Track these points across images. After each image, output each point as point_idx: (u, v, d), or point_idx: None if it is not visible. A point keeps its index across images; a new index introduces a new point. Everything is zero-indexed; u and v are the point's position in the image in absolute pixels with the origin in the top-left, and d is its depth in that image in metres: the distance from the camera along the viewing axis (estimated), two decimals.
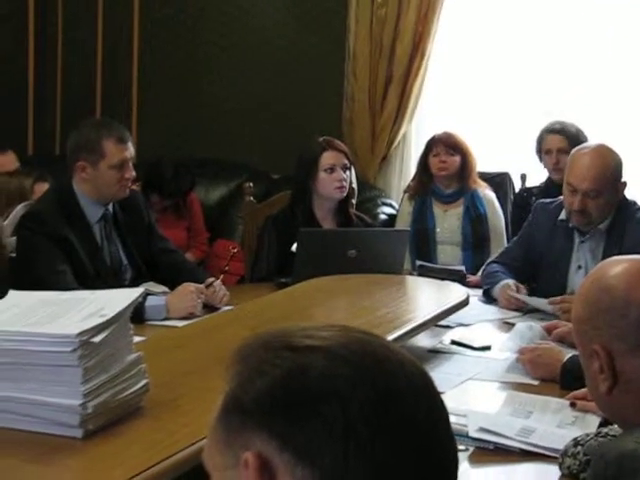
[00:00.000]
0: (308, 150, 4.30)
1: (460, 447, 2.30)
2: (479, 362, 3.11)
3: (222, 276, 3.81)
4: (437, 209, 4.93)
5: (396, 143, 5.79)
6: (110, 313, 2.06)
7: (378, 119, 5.77)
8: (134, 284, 3.71)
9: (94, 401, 1.98)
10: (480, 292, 4.02)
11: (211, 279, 3.68)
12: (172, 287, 3.62)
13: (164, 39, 6.37)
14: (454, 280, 4.06)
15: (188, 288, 3.50)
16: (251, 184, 4.65)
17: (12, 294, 2.24)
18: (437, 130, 5.08)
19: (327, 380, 1.00)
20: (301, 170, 4.27)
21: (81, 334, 1.95)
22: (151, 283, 3.77)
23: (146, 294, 3.27)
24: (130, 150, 3.67)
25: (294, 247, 3.98)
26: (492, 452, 2.30)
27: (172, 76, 6.38)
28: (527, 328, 3.28)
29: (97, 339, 1.99)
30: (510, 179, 5.48)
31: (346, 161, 4.24)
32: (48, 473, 1.87)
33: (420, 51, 5.61)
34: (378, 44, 5.70)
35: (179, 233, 5.25)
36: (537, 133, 4.96)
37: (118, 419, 2.06)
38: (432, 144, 4.89)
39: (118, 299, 2.14)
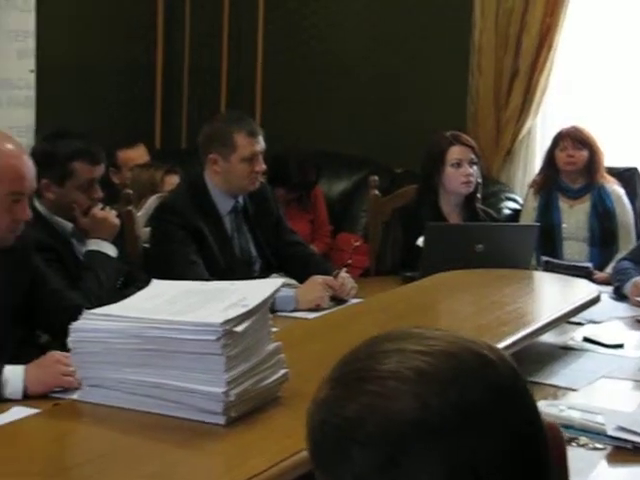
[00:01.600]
0: (435, 144, 4.30)
1: (598, 446, 2.27)
2: (612, 360, 3.07)
3: (344, 269, 3.84)
4: (563, 204, 4.87)
5: (521, 137, 5.72)
6: (252, 303, 2.10)
7: (503, 113, 5.71)
8: (263, 276, 3.77)
9: (236, 389, 2.02)
10: (608, 289, 3.96)
11: (339, 271, 3.70)
12: (299, 279, 3.66)
13: (288, 34, 6.43)
14: (581, 276, 4.00)
15: (317, 280, 3.54)
16: (376, 177, 4.66)
17: (155, 283, 2.31)
18: (563, 124, 5.01)
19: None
20: (428, 164, 4.27)
21: (225, 323, 1.99)
22: (279, 275, 3.82)
23: None
24: (261, 143, 3.73)
25: (420, 241, 3.98)
26: (631, 452, 2.26)
27: (296, 71, 6.43)
28: None
29: (240, 328, 2.03)
30: (639, 174, 5.37)
31: (473, 156, 4.23)
32: (195, 457, 1.92)
33: (547, 43, 5.53)
34: (504, 37, 5.64)
35: (303, 226, 5.29)
36: None
37: (258, 408, 2.10)
38: (559, 138, 4.83)
39: (259, 290, 2.18)
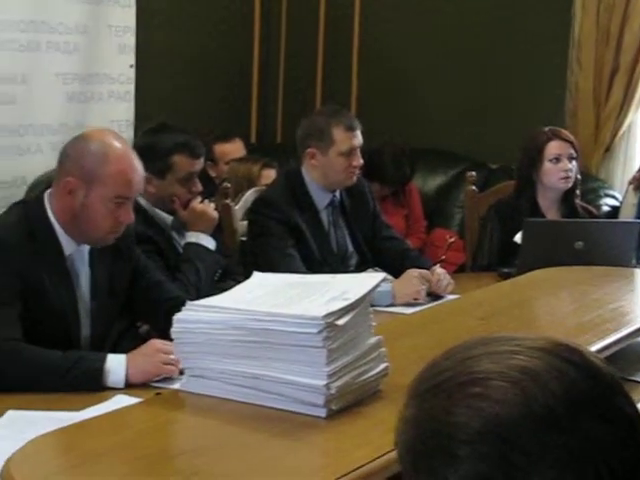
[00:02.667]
0: (533, 140, 4.24)
1: None
2: None
3: (439, 265, 3.81)
4: None
5: (620, 133, 5.62)
6: (353, 297, 2.11)
7: (602, 109, 5.61)
8: (359, 270, 3.76)
9: (337, 382, 2.03)
10: None
11: (435, 267, 3.68)
12: (395, 274, 3.65)
13: (384, 28, 6.41)
14: None
15: (413, 274, 3.53)
16: (473, 173, 4.62)
17: (257, 276, 2.32)
18: None
19: None
20: (525, 160, 4.22)
21: (327, 316, 2.00)
22: (373, 270, 3.82)
23: None
24: (358, 138, 3.72)
25: (517, 237, 3.94)
26: None
27: (391, 66, 6.41)
28: None
29: (341, 322, 2.04)
30: None
31: (572, 151, 4.16)
32: (296, 448, 1.93)
33: None
34: (605, 32, 5.54)
35: (397, 221, 5.28)
36: None
37: (359, 401, 2.11)
38: None
39: (360, 283, 2.19)
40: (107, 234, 2.73)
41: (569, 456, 0.95)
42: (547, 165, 4.12)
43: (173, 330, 2.18)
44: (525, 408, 0.97)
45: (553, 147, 4.13)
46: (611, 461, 0.96)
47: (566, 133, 4.26)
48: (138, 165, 2.73)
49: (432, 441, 1.01)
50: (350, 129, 3.69)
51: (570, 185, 4.16)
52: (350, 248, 3.84)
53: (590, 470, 0.95)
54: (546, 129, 4.24)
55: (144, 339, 3.04)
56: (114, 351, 2.66)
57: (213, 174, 5.18)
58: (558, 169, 4.10)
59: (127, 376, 2.50)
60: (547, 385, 0.98)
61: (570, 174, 4.12)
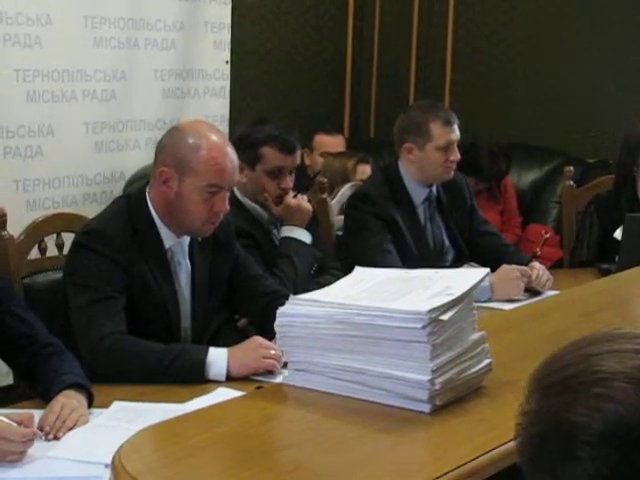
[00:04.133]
0: (632, 134, 4.17)
1: None
2: None
3: (537, 262, 3.77)
4: None
5: None
6: (457, 292, 2.09)
7: None
8: (455, 265, 3.75)
9: (441, 377, 2.02)
10: None
11: (534, 262, 3.64)
12: (492, 270, 3.61)
13: (479, 22, 6.36)
14: None
15: (512, 270, 3.49)
16: (571, 168, 4.56)
17: (359, 270, 2.32)
18: None
19: None
20: (625, 154, 4.15)
21: (431, 311, 1.99)
22: (472, 264, 3.79)
23: None
24: (456, 132, 3.70)
25: (617, 233, 3.88)
26: None
27: (486, 60, 6.36)
28: None
29: (445, 317, 2.03)
30: None
31: None
32: (400, 444, 1.93)
33: None
34: None
35: (492, 216, 5.23)
36: None
37: (462, 397, 2.09)
38: None
39: (464, 278, 2.17)
40: (203, 224, 2.74)
41: None
42: None
43: (277, 324, 2.19)
44: None
45: None
46: None
47: None
48: (232, 155, 2.74)
49: (553, 439, 1.00)
50: (448, 124, 3.67)
51: None
52: (447, 243, 3.82)
53: None
54: None
55: (242, 332, 3.08)
56: (212, 343, 2.70)
57: (307, 162, 5.20)
58: None
59: (228, 369, 2.53)
60: None
61: None
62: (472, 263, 3.81)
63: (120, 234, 2.72)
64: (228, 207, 2.77)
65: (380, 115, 6.46)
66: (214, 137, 2.74)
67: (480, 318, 2.88)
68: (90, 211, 3.80)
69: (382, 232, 3.61)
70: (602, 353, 1.02)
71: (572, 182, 4.48)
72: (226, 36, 5.47)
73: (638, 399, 0.96)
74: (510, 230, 5.46)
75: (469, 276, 2.20)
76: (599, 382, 0.99)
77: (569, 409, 1.00)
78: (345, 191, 4.05)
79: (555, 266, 4.61)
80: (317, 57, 6.40)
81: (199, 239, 2.86)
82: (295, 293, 2.49)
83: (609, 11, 5.87)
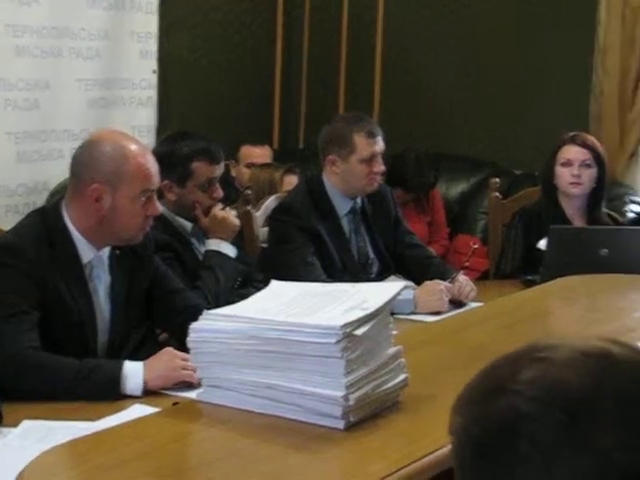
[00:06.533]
0: (554, 144, 4.20)
1: None
2: None
3: (462, 272, 3.77)
4: None
5: None
6: (372, 306, 2.07)
7: (627, 114, 5.55)
8: (380, 278, 3.74)
9: (356, 393, 2.00)
10: None
11: (457, 274, 3.64)
12: (418, 282, 3.61)
13: (407, 34, 6.37)
14: None
15: (437, 284, 3.48)
16: (497, 179, 4.58)
17: (274, 284, 2.29)
18: None
19: None
20: (545, 164, 4.18)
21: (345, 326, 1.97)
22: (395, 277, 3.78)
23: None
24: (380, 144, 3.69)
25: (541, 244, 3.90)
26: None
27: (414, 72, 6.37)
28: None
29: (359, 332, 2.00)
30: None
31: (588, 157, 4.06)
32: (312, 461, 1.90)
33: None
34: (630, 36, 5.47)
35: (420, 227, 5.24)
36: None
37: (377, 412, 2.07)
38: None
39: (380, 292, 2.15)
40: (138, 231, 2.75)
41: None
42: (559, 169, 4.07)
43: (189, 339, 2.16)
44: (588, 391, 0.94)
45: (566, 151, 4.08)
46: None
47: (585, 138, 4.17)
48: (152, 157, 2.78)
49: (491, 445, 0.97)
50: (371, 135, 3.66)
51: (580, 191, 4.07)
52: (371, 255, 3.80)
53: None
54: (568, 134, 4.19)
55: (163, 347, 3.03)
56: (133, 359, 2.64)
57: (233, 174, 5.17)
58: (567, 173, 4.04)
59: (145, 383, 2.49)
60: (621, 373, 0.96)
61: (580, 180, 4.04)
62: (397, 275, 3.79)
63: (34, 248, 2.66)
64: (160, 209, 2.80)
65: (309, 126, 6.44)
66: (133, 144, 2.76)
67: (403, 331, 2.89)
68: (12, 223, 3.71)
69: (305, 244, 3.58)
70: (528, 363, 1.00)
71: (498, 193, 4.50)
72: (153, 45, 5.43)
73: (583, 377, 0.95)
74: (438, 241, 5.47)
75: (385, 290, 2.18)
76: (545, 349, 0.98)
77: (518, 370, 0.97)
78: (270, 203, 4.02)
79: (483, 277, 4.62)
80: (246, 67, 6.37)
81: (117, 252, 2.81)
82: (218, 307, 2.45)
83: (540, 22, 5.92)
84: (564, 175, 4.05)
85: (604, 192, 4.20)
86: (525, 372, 0.97)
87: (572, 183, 4.04)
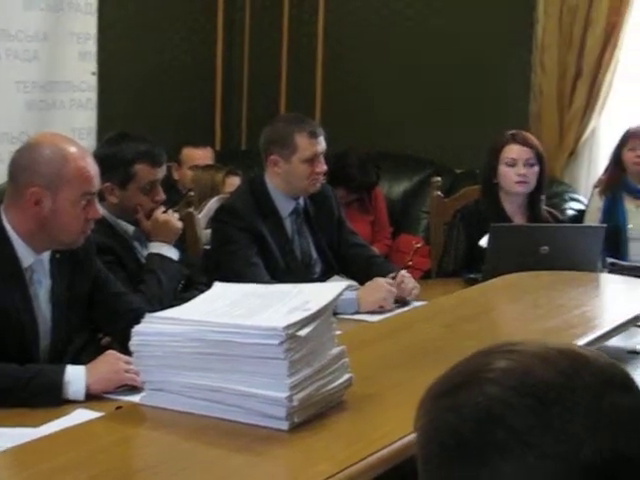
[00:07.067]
0: (494, 143, 4.24)
1: None
2: None
3: (405, 271, 3.79)
4: (629, 205, 4.78)
5: (585, 137, 5.63)
6: (315, 307, 2.07)
7: (566, 113, 5.63)
8: (323, 278, 3.74)
9: (300, 394, 2.00)
10: None
11: (395, 273, 3.65)
12: (361, 281, 3.62)
13: (348, 33, 6.39)
14: None
15: (379, 282, 3.50)
16: (438, 178, 4.61)
17: (217, 286, 2.29)
18: (628, 124, 4.91)
19: None
20: (487, 163, 4.22)
21: (288, 327, 1.97)
22: (338, 277, 3.79)
23: None
24: (322, 144, 3.70)
25: (482, 241, 3.93)
26: None
27: (356, 70, 6.39)
28: None
29: (303, 333, 2.01)
30: None
31: (531, 156, 4.11)
32: (256, 463, 1.89)
33: (612, 41, 5.43)
34: (568, 35, 5.56)
35: (363, 227, 5.26)
36: None
37: (322, 413, 2.08)
38: (627, 137, 4.74)
39: (322, 293, 2.16)
40: (79, 234, 2.72)
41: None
42: (503, 168, 4.10)
43: (132, 343, 2.14)
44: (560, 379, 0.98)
45: (509, 151, 4.12)
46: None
47: (527, 137, 4.22)
48: (92, 160, 2.76)
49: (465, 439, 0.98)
50: (313, 135, 3.66)
51: (525, 190, 4.12)
52: (314, 255, 3.81)
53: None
54: (508, 132, 4.23)
55: (106, 351, 3.00)
56: (75, 363, 2.62)
57: (176, 177, 5.14)
58: (513, 173, 4.08)
59: (88, 387, 2.47)
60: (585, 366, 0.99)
61: (526, 179, 4.09)
62: (341, 275, 3.80)
63: None
64: (100, 211, 2.78)
65: (251, 127, 6.42)
66: (73, 147, 2.73)
67: (346, 331, 2.90)
68: None
69: (248, 245, 3.57)
70: (501, 355, 1.02)
71: (440, 192, 4.53)
72: (92, 47, 5.38)
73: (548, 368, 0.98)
74: (381, 240, 5.50)
75: (328, 290, 2.18)
76: (512, 351, 1.01)
77: (489, 363, 1.00)
78: (212, 204, 4.00)
79: (426, 276, 4.65)
80: (187, 69, 6.34)
81: (57, 256, 2.79)
82: (161, 310, 2.44)
83: (479, 21, 5.97)
84: (509, 175, 4.09)
85: (544, 190, 4.24)
86: (498, 362, 0.99)
87: (518, 182, 4.08)
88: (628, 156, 4.71)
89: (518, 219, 4.15)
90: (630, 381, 1.02)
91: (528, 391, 0.96)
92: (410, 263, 4.95)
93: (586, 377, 0.98)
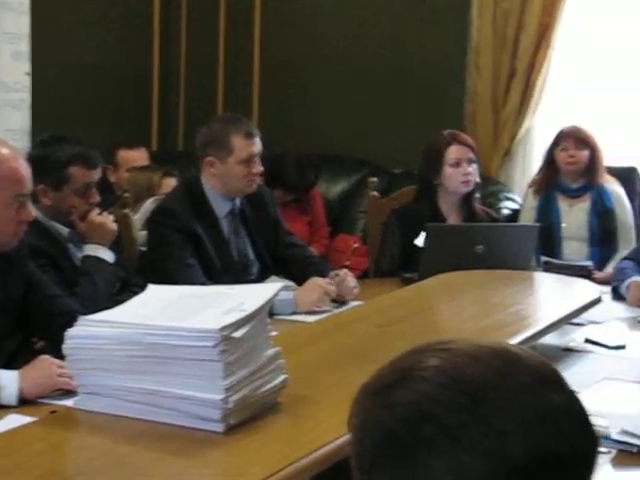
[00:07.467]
0: (434, 144, 4.28)
1: (602, 449, 2.24)
2: (614, 361, 3.04)
3: (346, 270, 3.80)
4: (562, 204, 4.84)
5: (519, 137, 5.69)
6: (250, 308, 2.07)
7: (501, 113, 5.68)
8: (260, 279, 3.74)
9: (235, 396, 1.99)
10: (609, 289, 3.92)
11: (336, 272, 3.67)
12: (298, 281, 3.63)
13: (286, 36, 6.39)
14: (581, 276, 3.98)
15: (316, 282, 3.51)
16: (375, 179, 4.63)
17: (152, 288, 2.27)
18: (562, 124, 4.98)
19: None
20: (426, 164, 4.25)
21: (223, 329, 1.96)
22: (275, 277, 3.79)
23: None
24: (257, 145, 3.70)
25: (418, 240, 3.96)
26: (636, 455, 2.23)
27: (293, 72, 6.39)
28: None
29: (238, 334, 2.00)
30: (638, 174, 5.35)
31: (472, 155, 4.20)
32: (191, 467, 1.89)
33: (545, 43, 5.49)
34: (501, 37, 5.61)
35: (301, 227, 5.26)
36: None
37: (257, 414, 2.07)
38: (560, 138, 4.80)
39: (257, 294, 2.15)
40: (12, 236, 2.71)
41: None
42: (448, 169, 4.15)
43: (65, 346, 2.12)
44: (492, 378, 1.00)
45: (453, 151, 4.17)
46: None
47: (465, 137, 4.30)
48: (25, 162, 2.75)
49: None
50: (249, 136, 3.66)
51: (470, 188, 4.21)
52: (251, 256, 3.80)
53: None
54: (445, 133, 4.27)
55: (39, 355, 2.97)
56: (8, 368, 2.58)
57: (113, 180, 5.10)
58: (458, 173, 4.14)
59: (20, 391, 2.43)
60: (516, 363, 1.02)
61: (470, 178, 4.17)
62: (278, 276, 3.80)
63: None
64: (33, 213, 2.77)
65: (188, 127, 6.39)
66: (4, 148, 2.72)
67: (284, 332, 2.90)
68: None
69: (184, 247, 3.56)
70: (432, 353, 1.04)
71: (376, 193, 4.56)
72: (25, 47, 5.30)
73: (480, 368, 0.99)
74: (319, 241, 5.50)
75: (263, 291, 2.18)
76: (444, 350, 1.03)
77: (421, 360, 1.02)
78: (148, 205, 3.99)
79: (363, 276, 4.66)
80: (122, 69, 6.29)
81: None
82: (96, 312, 2.42)
83: (414, 22, 6.00)
84: (455, 175, 4.14)
85: (479, 188, 4.30)
86: (429, 361, 1.01)
87: (463, 182, 4.14)
88: (561, 156, 4.77)
89: (453, 218, 4.19)
90: (561, 380, 1.04)
91: (459, 388, 0.98)
92: (347, 263, 4.97)
93: (518, 375, 1.00)
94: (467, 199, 4.24)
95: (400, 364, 1.04)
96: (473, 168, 4.18)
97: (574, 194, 4.83)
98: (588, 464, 1.03)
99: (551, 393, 1.01)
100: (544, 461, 0.97)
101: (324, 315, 3.33)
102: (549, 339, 3.16)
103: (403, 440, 0.98)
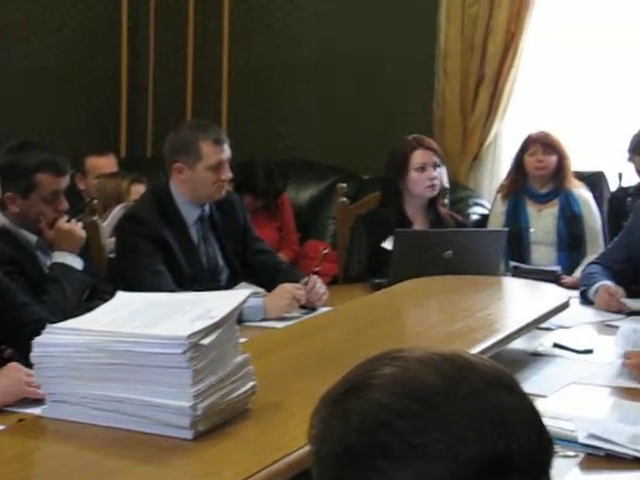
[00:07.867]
0: (398, 149, 4.30)
1: (569, 453, 2.25)
2: (582, 366, 3.05)
3: (317, 276, 3.80)
4: (531, 209, 4.87)
5: (487, 142, 5.73)
6: (218, 315, 2.07)
7: (469, 118, 5.72)
8: (230, 285, 3.74)
9: (204, 403, 1.99)
10: (577, 293, 3.95)
11: (307, 278, 3.67)
12: (267, 288, 3.63)
13: (254, 40, 6.39)
14: (549, 281, 4.00)
15: (285, 288, 3.51)
16: (344, 185, 4.64)
17: (120, 295, 2.27)
18: (529, 129, 5.01)
19: None
20: (391, 169, 4.28)
21: (191, 336, 1.96)
22: (245, 284, 3.79)
23: None
24: (226, 151, 3.70)
25: (386, 244, 3.97)
26: (603, 459, 2.24)
27: (262, 78, 6.40)
28: (632, 331, 3.20)
29: (206, 341, 2.00)
30: (605, 178, 5.39)
31: (437, 159, 4.23)
32: (160, 474, 1.88)
33: (512, 49, 5.54)
34: (469, 43, 5.65)
35: (270, 233, 5.26)
36: (633, 131, 4.83)
37: (226, 421, 2.07)
38: (528, 143, 4.83)
39: (226, 300, 2.15)
40: None
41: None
42: (413, 174, 4.17)
43: (33, 354, 2.11)
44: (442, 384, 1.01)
45: (418, 156, 4.19)
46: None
47: (429, 141, 4.32)
48: None
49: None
50: (218, 143, 3.66)
51: (436, 192, 4.23)
52: (221, 263, 3.80)
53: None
54: (410, 137, 4.30)
55: (8, 363, 2.95)
56: None
57: (81, 187, 5.07)
58: (424, 177, 4.17)
59: None
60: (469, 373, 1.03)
61: (435, 182, 4.19)
62: (248, 282, 3.80)
63: None
64: (3, 221, 2.78)
65: (157, 134, 6.37)
66: None
67: (253, 338, 2.90)
68: None
69: (153, 253, 3.55)
70: (386, 362, 1.05)
71: (345, 198, 4.57)
72: None
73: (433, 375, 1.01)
74: (288, 247, 5.50)
75: (232, 298, 2.18)
76: (399, 358, 1.04)
77: (373, 370, 1.03)
78: (117, 212, 3.97)
79: (333, 282, 4.67)
80: (90, 75, 6.27)
81: None
82: (65, 320, 2.40)
83: (382, 28, 6.02)
84: (420, 180, 4.16)
85: (447, 193, 4.33)
86: (383, 369, 1.02)
87: (429, 186, 4.16)
88: (529, 161, 4.81)
89: (419, 222, 4.22)
90: (513, 383, 1.05)
91: (412, 396, 0.99)
92: (317, 269, 4.96)
93: (470, 380, 1.01)
94: (433, 203, 4.27)
95: (354, 374, 1.06)
96: (438, 172, 4.20)
97: (542, 199, 4.86)
98: (542, 466, 1.04)
99: (502, 395, 1.02)
100: (497, 463, 0.98)
101: (293, 321, 3.33)
102: (517, 344, 3.18)
103: (359, 449, 0.99)
